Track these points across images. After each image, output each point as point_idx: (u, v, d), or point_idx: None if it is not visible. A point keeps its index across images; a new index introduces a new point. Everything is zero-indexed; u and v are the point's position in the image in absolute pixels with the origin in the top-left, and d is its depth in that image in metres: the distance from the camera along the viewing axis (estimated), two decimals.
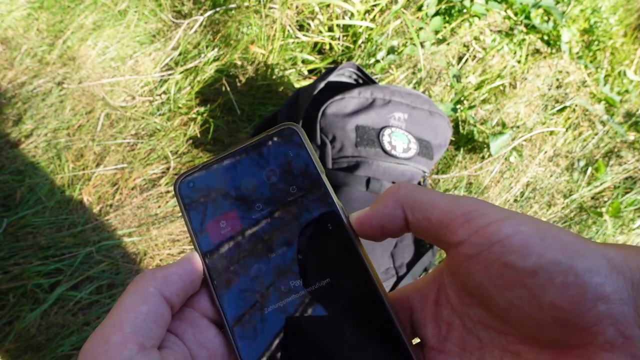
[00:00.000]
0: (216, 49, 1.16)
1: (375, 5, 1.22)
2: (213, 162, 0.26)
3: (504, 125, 1.23)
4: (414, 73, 1.23)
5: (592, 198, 1.23)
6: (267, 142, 0.26)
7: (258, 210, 0.25)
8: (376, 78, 1.18)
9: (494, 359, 0.20)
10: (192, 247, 0.25)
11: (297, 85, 1.17)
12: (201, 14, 1.19)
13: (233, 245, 0.24)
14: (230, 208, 0.25)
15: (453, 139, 1.20)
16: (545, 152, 1.25)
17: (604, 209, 1.20)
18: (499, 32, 1.36)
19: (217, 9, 1.20)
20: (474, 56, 1.30)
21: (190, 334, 0.23)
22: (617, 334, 0.17)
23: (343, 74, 0.89)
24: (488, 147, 1.18)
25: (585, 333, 0.17)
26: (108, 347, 0.19)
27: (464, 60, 1.28)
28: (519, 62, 1.33)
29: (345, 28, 1.22)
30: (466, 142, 1.20)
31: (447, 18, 1.29)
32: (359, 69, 0.90)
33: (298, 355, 0.22)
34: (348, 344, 0.22)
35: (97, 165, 1.01)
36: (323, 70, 1.17)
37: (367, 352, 0.22)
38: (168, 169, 1.04)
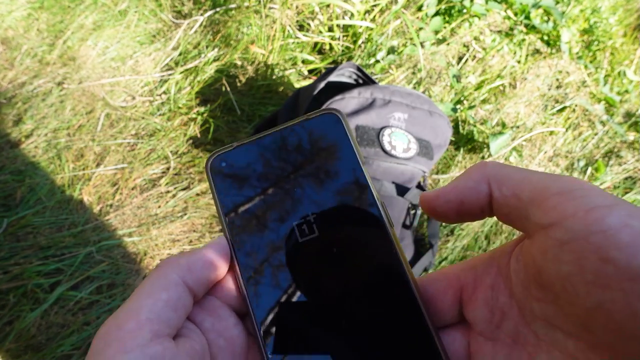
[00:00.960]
0: (216, 49, 1.16)
1: (375, 5, 1.22)
2: (248, 142, 0.25)
3: (503, 125, 1.23)
4: (414, 73, 1.23)
5: None
6: (306, 126, 0.25)
7: (292, 195, 0.24)
8: (376, 78, 1.18)
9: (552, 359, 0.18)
10: (220, 229, 0.24)
11: (297, 85, 1.17)
12: (201, 14, 1.20)
13: (264, 230, 0.23)
14: (263, 191, 0.24)
15: (453, 139, 1.20)
16: (545, 152, 1.25)
17: None
18: (499, 32, 1.36)
19: (217, 9, 1.20)
20: (474, 56, 1.30)
21: (209, 322, 0.22)
22: None
23: (343, 74, 0.89)
24: (488, 147, 1.18)
25: None
26: (121, 333, 0.19)
27: (464, 60, 1.28)
28: (518, 62, 1.33)
29: (345, 28, 1.22)
30: (466, 142, 1.20)
31: (447, 18, 1.29)
32: (359, 69, 0.90)
33: (322, 346, 0.22)
34: (376, 339, 0.21)
35: (97, 165, 1.01)
36: (323, 70, 1.17)
37: (394, 346, 0.21)
38: (168, 169, 1.04)
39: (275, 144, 0.25)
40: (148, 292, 0.20)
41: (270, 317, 0.22)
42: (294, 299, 0.22)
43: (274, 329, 0.22)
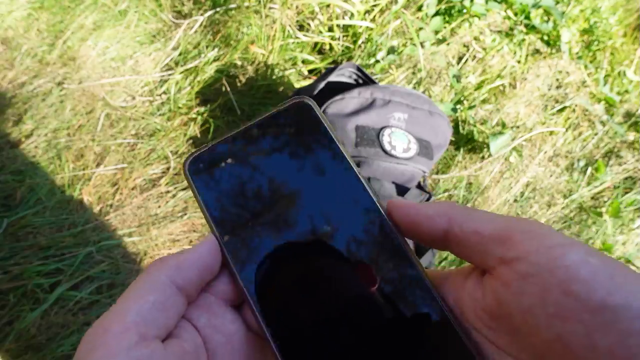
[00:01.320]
0: (216, 49, 1.16)
1: (375, 5, 1.22)
2: (223, 139, 0.25)
3: (503, 125, 1.23)
4: (414, 73, 1.23)
5: (592, 198, 1.23)
6: (279, 116, 0.25)
7: (276, 187, 0.24)
8: (376, 78, 1.18)
9: None
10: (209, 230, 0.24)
11: (297, 85, 1.17)
12: (201, 14, 1.20)
13: (253, 224, 0.23)
14: (246, 184, 0.24)
15: (453, 139, 1.20)
16: (545, 152, 1.25)
17: (603, 209, 1.20)
18: (499, 32, 1.36)
19: (217, 9, 1.20)
20: (474, 56, 1.30)
21: (204, 319, 0.22)
22: None
23: (343, 74, 0.89)
24: (488, 147, 1.18)
25: None
26: (107, 336, 0.19)
27: (464, 60, 1.28)
28: (518, 62, 1.33)
29: (345, 28, 1.22)
30: (466, 142, 1.20)
31: (447, 18, 1.29)
32: (359, 69, 0.90)
33: (329, 328, 0.21)
34: (380, 323, 0.21)
35: (97, 165, 1.01)
36: (323, 70, 1.17)
37: (407, 330, 0.21)
38: (168, 169, 1.04)
39: (251, 138, 0.25)
40: (135, 295, 0.20)
41: (274, 307, 0.22)
42: (296, 288, 0.22)
43: (277, 320, 0.22)
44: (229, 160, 0.24)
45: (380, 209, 0.23)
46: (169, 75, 1.13)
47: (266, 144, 0.24)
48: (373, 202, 0.23)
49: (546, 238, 0.18)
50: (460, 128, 1.21)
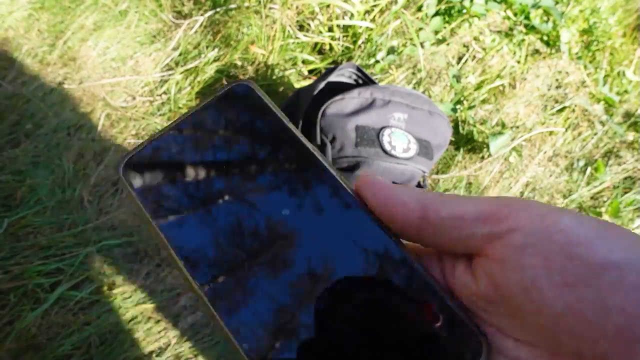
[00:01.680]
0: (216, 49, 1.16)
1: (375, 6, 1.22)
2: (162, 133, 0.22)
3: (503, 125, 1.23)
4: (413, 73, 1.23)
5: (592, 198, 1.24)
6: (219, 101, 0.23)
7: (228, 179, 0.22)
8: (376, 78, 1.18)
9: None
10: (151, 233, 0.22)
11: (297, 85, 1.17)
12: (201, 14, 1.20)
13: (204, 221, 0.21)
14: (193, 179, 0.22)
15: (453, 139, 1.20)
16: (545, 152, 1.25)
17: (603, 209, 1.20)
18: (499, 32, 1.36)
19: (217, 9, 1.20)
20: (474, 56, 1.31)
21: None
22: None
23: (343, 74, 0.89)
24: (488, 147, 1.18)
25: None
26: None
27: (463, 60, 1.29)
28: (518, 62, 1.33)
29: (345, 28, 1.22)
30: (466, 142, 1.20)
31: (446, 18, 1.29)
32: (358, 69, 0.90)
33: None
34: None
35: (98, 165, 1.01)
36: (323, 71, 1.17)
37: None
38: None
39: (192, 128, 0.23)
40: None
41: (237, 312, 0.20)
42: (253, 284, 0.20)
43: (240, 323, 0.20)
44: (173, 155, 0.22)
45: (340, 181, 0.22)
46: (169, 75, 1.13)
47: (210, 132, 0.23)
48: (333, 176, 0.22)
49: (534, 207, 0.17)
50: (460, 128, 1.21)
